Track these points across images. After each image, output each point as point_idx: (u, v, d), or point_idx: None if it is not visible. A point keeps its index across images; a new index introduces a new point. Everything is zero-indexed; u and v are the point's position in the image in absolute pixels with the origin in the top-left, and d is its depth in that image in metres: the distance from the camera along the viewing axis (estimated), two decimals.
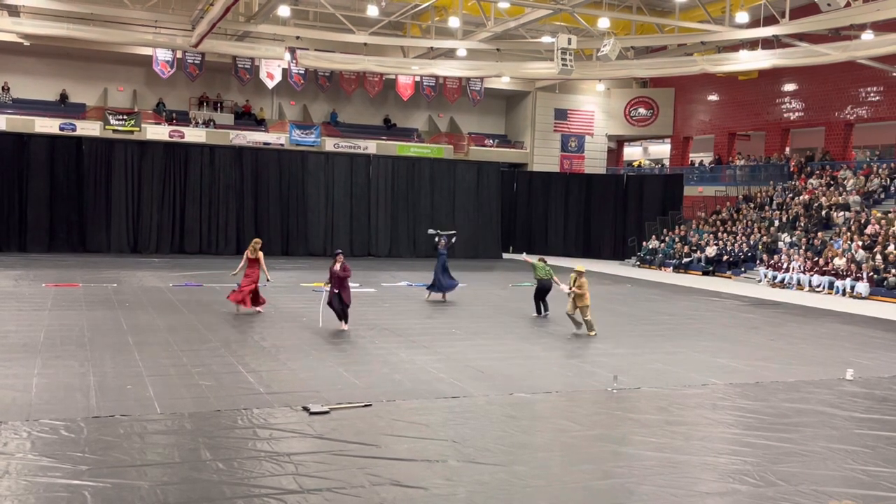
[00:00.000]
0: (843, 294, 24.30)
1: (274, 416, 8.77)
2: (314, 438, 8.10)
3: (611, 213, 36.89)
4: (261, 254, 16.11)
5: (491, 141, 40.12)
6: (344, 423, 8.64)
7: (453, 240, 20.11)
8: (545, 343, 14.17)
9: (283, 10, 29.46)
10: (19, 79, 32.94)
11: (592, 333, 15.01)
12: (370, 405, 9.41)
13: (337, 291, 14.38)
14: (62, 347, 11.98)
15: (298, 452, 7.63)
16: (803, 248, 27.57)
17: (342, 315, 14.50)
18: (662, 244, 33.24)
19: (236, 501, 6.44)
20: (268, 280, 16.47)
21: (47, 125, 30.77)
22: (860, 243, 25.95)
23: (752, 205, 33.82)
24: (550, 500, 6.78)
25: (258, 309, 16.10)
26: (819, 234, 28.49)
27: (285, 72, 33.44)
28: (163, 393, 9.56)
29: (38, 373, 10.31)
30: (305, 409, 9.06)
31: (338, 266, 14.38)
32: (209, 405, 9.12)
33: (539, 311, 17.22)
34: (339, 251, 15.05)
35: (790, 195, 32.70)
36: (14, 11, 27.63)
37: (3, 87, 32.46)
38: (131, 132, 31.50)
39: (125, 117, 31.76)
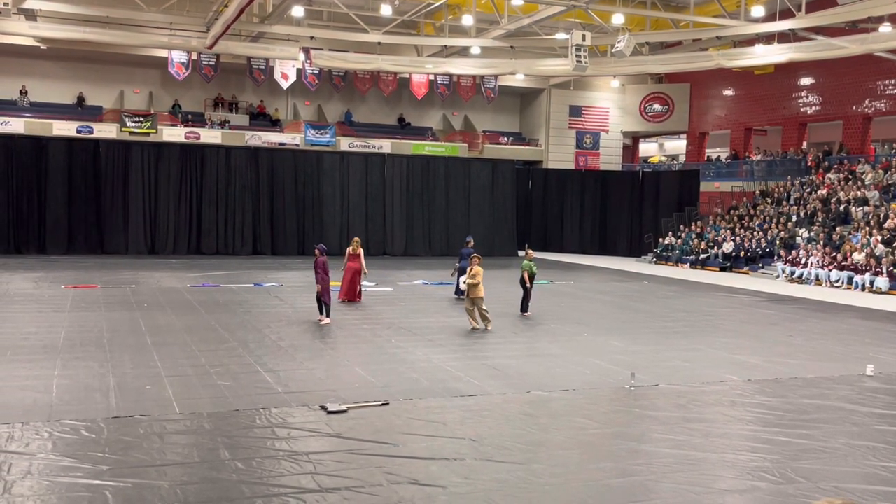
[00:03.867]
0: (863, 289, 24.11)
1: (292, 416, 8.81)
2: (332, 437, 8.13)
3: (627, 210, 36.72)
4: (360, 250, 18.17)
5: (505, 138, 40.08)
6: (361, 421, 8.66)
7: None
8: (562, 341, 14.14)
9: (297, 11, 29.54)
10: (37, 82, 33.24)
11: (489, 327, 14.87)
12: (387, 404, 9.43)
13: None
14: (82, 348, 12.08)
15: (317, 451, 7.66)
16: (821, 243, 27.36)
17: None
18: (679, 240, 33.08)
19: (255, 501, 6.47)
20: (365, 273, 18.35)
21: (65, 128, 31.04)
22: (879, 238, 25.71)
23: (769, 200, 33.59)
24: (569, 498, 6.76)
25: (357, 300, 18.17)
26: (837, 228, 28.27)
27: (300, 72, 33.54)
28: (182, 393, 9.62)
29: (58, 374, 10.40)
30: (323, 408, 9.09)
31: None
32: (228, 405, 9.17)
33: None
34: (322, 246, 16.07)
35: (808, 190, 32.46)
36: (31, 16, 27.86)
37: (21, 91, 32.76)
38: (147, 134, 31.73)
39: (141, 119, 31.99)
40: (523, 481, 7.06)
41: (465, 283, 15.23)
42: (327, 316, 15.18)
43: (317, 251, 15.51)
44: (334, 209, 32.54)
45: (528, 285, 16.92)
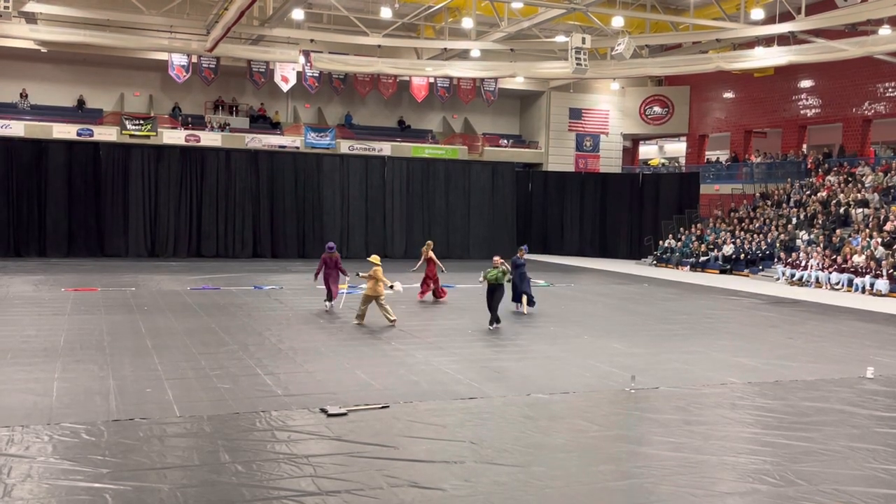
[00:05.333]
0: (863, 291, 24.11)
1: (292, 419, 8.80)
2: (332, 440, 8.12)
3: (627, 212, 36.76)
4: (432, 253, 19.33)
5: (505, 141, 40.06)
6: (361, 424, 8.66)
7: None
8: (562, 343, 14.14)
9: (297, 14, 29.54)
10: (37, 85, 33.22)
11: (393, 320, 15.13)
12: (387, 407, 9.43)
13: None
14: (82, 351, 12.08)
15: (316, 454, 7.66)
16: (821, 245, 27.36)
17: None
18: (679, 243, 33.09)
19: None
20: (442, 270, 19.66)
21: (65, 131, 31.00)
22: (879, 240, 25.72)
23: (769, 202, 33.59)
24: (569, 501, 6.76)
25: (441, 300, 19.38)
26: (837, 231, 28.26)
27: (300, 75, 33.52)
28: (181, 396, 9.62)
29: (58, 377, 10.40)
30: (323, 410, 9.09)
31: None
32: (227, 408, 9.17)
33: (493, 321, 15.51)
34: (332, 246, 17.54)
35: (808, 192, 32.46)
36: (31, 19, 27.87)
37: (21, 94, 32.75)
38: (148, 137, 31.69)
39: (141, 122, 31.96)
40: (523, 484, 7.06)
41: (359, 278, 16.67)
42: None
43: (335, 253, 17.07)
44: (334, 212, 32.58)
45: (503, 292, 15.71)
